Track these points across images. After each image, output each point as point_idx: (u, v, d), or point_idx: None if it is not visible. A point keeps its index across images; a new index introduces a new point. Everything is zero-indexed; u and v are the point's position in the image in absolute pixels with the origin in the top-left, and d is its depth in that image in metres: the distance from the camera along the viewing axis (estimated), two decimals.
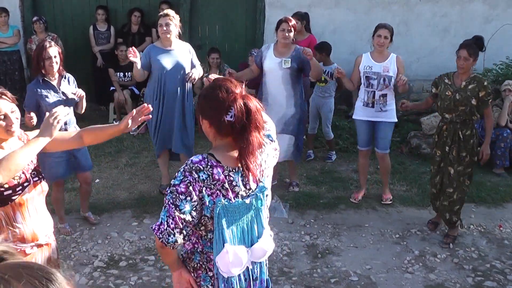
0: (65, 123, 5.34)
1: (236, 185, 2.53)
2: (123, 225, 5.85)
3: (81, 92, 5.38)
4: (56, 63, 5.15)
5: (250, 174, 2.53)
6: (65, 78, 5.35)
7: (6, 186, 2.84)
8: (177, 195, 2.42)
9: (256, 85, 8.28)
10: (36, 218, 3.02)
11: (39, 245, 3.06)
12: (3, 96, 3.24)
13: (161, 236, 2.45)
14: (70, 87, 5.38)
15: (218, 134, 2.54)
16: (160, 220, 2.46)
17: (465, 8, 9.61)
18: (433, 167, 5.68)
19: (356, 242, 5.53)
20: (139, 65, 6.04)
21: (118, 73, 9.19)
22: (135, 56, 5.91)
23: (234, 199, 2.53)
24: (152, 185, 6.79)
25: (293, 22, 6.14)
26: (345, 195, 6.54)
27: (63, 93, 5.28)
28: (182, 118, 6.30)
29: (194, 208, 2.44)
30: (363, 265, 5.10)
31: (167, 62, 6.09)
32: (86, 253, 5.32)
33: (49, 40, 5.26)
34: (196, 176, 2.44)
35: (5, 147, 2.97)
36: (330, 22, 9.39)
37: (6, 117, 2.95)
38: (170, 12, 6.10)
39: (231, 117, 2.44)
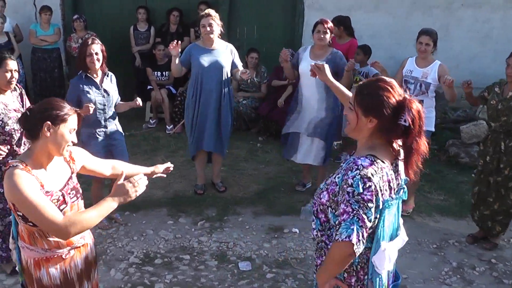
0: (105, 120, 5.39)
1: (392, 181, 2.56)
2: (159, 223, 5.88)
3: (140, 103, 5.50)
4: (98, 60, 5.20)
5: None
6: (107, 76, 5.40)
7: None
8: (365, 203, 2.41)
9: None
10: None
11: (76, 247, 3.03)
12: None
13: (358, 246, 2.40)
14: (112, 85, 5.43)
15: (382, 134, 2.54)
16: (352, 231, 2.39)
17: (508, 14, 9.39)
18: (476, 177, 5.59)
19: None
20: (177, 60, 6.07)
21: (155, 72, 9.23)
22: (176, 50, 5.94)
23: (392, 195, 2.57)
24: (187, 184, 6.81)
25: (330, 24, 6.09)
26: None
27: (105, 90, 5.33)
28: (217, 117, 6.28)
29: (374, 213, 2.46)
30: (399, 273, 5.02)
31: (206, 61, 6.10)
32: (121, 249, 5.36)
33: (93, 37, 5.30)
34: (376, 180, 2.44)
35: (49, 168, 2.91)
36: (369, 26, 9.29)
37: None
38: (212, 12, 6.09)
39: (404, 121, 2.45)
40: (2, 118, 4.51)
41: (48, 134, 2.81)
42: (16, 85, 4.79)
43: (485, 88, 5.50)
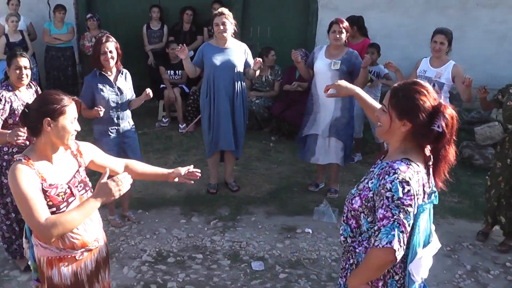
0: (118, 118, 5.39)
1: (426, 185, 2.54)
2: (172, 222, 5.88)
3: (150, 94, 5.49)
4: (112, 58, 5.21)
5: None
6: (122, 73, 5.40)
7: (50, 203, 2.79)
8: (405, 208, 2.38)
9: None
10: (83, 227, 2.96)
11: (89, 250, 3.04)
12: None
13: (399, 252, 2.38)
14: (126, 83, 5.44)
15: (414, 138, 2.52)
16: (392, 237, 2.36)
17: None
18: (490, 179, 5.53)
19: None
20: (188, 62, 6.07)
21: (168, 71, 9.23)
22: (184, 53, 5.95)
23: (425, 200, 2.56)
24: (201, 183, 6.75)
25: (345, 23, 6.08)
26: None
27: (118, 88, 5.34)
28: (231, 116, 6.27)
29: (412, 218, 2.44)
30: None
31: (218, 60, 6.08)
32: (134, 247, 5.37)
33: (108, 34, 5.31)
34: (413, 184, 2.42)
35: (55, 162, 2.93)
36: (383, 26, 9.24)
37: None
38: (225, 10, 6.08)
39: (438, 126, 2.42)
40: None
41: (49, 129, 2.83)
42: (31, 82, 4.84)
43: (498, 91, 5.46)
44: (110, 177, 2.86)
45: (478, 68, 9.23)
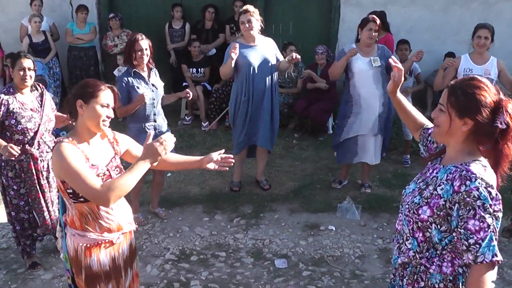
0: (154, 114, 5.44)
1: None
2: (195, 220, 5.89)
3: (190, 95, 5.67)
4: (147, 55, 5.28)
5: None
6: (152, 71, 5.48)
7: None
8: (496, 215, 2.25)
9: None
10: (118, 210, 3.08)
11: (124, 233, 3.15)
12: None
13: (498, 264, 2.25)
14: (158, 80, 5.52)
15: (475, 137, 2.38)
16: (494, 247, 2.22)
17: None
18: None
19: None
20: (233, 63, 6.00)
21: (191, 69, 9.24)
22: (236, 54, 5.90)
23: None
24: (223, 181, 6.80)
25: (379, 21, 6.00)
26: None
27: (153, 85, 5.40)
28: (270, 113, 6.26)
29: None
30: None
31: (254, 58, 6.04)
32: (157, 245, 5.38)
33: (141, 33, 5.34)
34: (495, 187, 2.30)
35: (93, 146, 3.04)
36: (405, 20, 9.15)
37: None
38: (250, 7, 6.04)
39: (501, 123, 2.29)
40: (16, 116, 4.55)
41: (81, 111, 2.95)
42: (38, 84, 4.84)
43: None
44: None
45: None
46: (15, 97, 4.60)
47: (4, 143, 4.44)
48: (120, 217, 3.09)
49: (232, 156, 3.43)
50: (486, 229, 2.22)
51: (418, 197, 2.47)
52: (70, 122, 4.30)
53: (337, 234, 5.58)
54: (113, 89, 3.06)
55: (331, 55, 8.72)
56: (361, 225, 5.76)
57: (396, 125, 7.70)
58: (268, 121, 6.24)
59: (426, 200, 2.42)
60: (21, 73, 4.58)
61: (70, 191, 2.89)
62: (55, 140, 2.96)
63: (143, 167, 2.85)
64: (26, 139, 4.62)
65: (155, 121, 5.47)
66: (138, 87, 5.28)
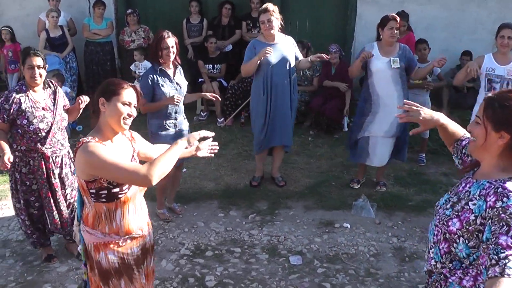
0: (176, 112, 5.45)
1: None
2: (210, 216, 5.91)
3: (210, 97, 5.71)
4: (173, 53, 5.29)
5: None
6: (178, 69, 5.50)
7: (115, 184, 2.90)
8: None
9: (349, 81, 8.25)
10: (133, 215, 3.10)
11: (133, 238, 3.14)
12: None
13: None
14: (182, 78, 5.54)
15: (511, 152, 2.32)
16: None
17: None
18: None
19: None
20: (258, 62, 6.02)
21: (207, 65, 9.25)
22: (269, 54, 5.91)
23: None
24: (239, 177, 6.82)
25: (399, 20, 5.96)
26: (434, 199, 6.30)
27: (177, 83, 5.42)
28: (289, 111, 6.28)
29: None
30: None
31: (273, 56, 6.02)
32: (172, 240, 5.41)
33: (167, 31, 5.35)
34: None
35: (116, 144, 3.08)
36: (422, 18, 9.11)
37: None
38: (270, 6, 6.02)
39: None
40: (28, 116, 4.51)
41: (103, 108, 2.99)
42: (50, 81, 4.79)
43: None
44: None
45: None
46: (27, 95, 4.54)
47: (6, 151, 4.37)
48: (133, 222, 3.10)
49: (216, 143, 3.46)
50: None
51: (450, 210, 2.44)
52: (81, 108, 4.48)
53: (352, 232, 5.58)
54: (136, 88, 3.08)
55: (343, 54, 8.73)
56: (376, 223, 5.75)
57: (411, 123, 7.64)
58: (287, 118, 6.26)
59: (456, 213, 2.39)
60: (31, 71, 4.51)
61: (93, 191, 2.92)
62: (80, 140, 2.94)
63: (178, 147, 2.98)
64: (38, 138, 4.58)
65: (176, 119, 5.48)
66: (162, 85, 5.29)
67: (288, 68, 6.13)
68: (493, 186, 2.28)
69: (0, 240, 5.45)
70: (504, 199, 2.20)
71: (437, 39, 8.93)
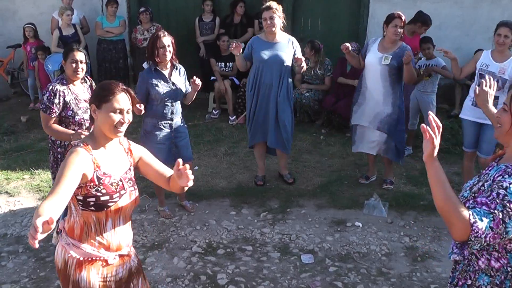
0: (172, 113, 5.44)
1: None
2: (221, 213, 5.92)
3: (198, 82, 5.45)
4: (169, 52, 5.28)
5: None
6: (176, 68, 5.47)
7: (103, 191, 2.81)
8: (509, 212, 2.20)
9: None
10: (123, 229, 3.00)
11: (121, 256, 3.03)
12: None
13: (476, 238, 2.19)
14: (181, 78, 5.49)
15: None
16: (481, 220, 2.19)
17: None
18: None
19: None
20: (240, 58, 6.11)
21: (219, 63, 9.27)
22: (237, 50, 5.99)
23: None
24: (251, 175, 6.82)
25: (404, 17, 5.96)
26: None
27: (173, 83, 5.39)
28: (275, 113, 6.24)
29: None
30: None
31: (266, 54, 6.06)
32: (184, 238, 5.42)
33: (163, 30, 5.38)
34: None
35: (110, 153, 2.95)
36: (435, 17, 8.99)
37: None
38: (273, 4, 6.02)
39: None
40: (73, 108, 4.74)
41: (95, 115, 2.90)
42: (86, 77, 4.99)
43: None
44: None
45: None
46: (69, 89, 4.79)
47: (72, 131, 4.60)
48: (123, 238, 3.00)
49: (185, 166, 2.90)
50: (490, 209, 2.21)
51: (468, 192, 2.49)
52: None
53: (363, 231, 5.57)
54: (129, 92, 2.95)
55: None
56: (388, 222, 5.73)
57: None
58: (274, 120, 6.22)
59: (473, 195, 2.43)
60: (74, 65, 4.73)
61: (80, 197, 2.80)
62: (71, 144, 2.89)
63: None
64: (81, 129, 4.76)
65: (172, 119, 5.46)
66: (157, 85, 5.29)
67: (280, 69, 6.11)
68: (509, 168, 2.32)
69: (13, 237, 5.48)
70: (506, 176, 2.26)
71: (450, 37, 8.91)
